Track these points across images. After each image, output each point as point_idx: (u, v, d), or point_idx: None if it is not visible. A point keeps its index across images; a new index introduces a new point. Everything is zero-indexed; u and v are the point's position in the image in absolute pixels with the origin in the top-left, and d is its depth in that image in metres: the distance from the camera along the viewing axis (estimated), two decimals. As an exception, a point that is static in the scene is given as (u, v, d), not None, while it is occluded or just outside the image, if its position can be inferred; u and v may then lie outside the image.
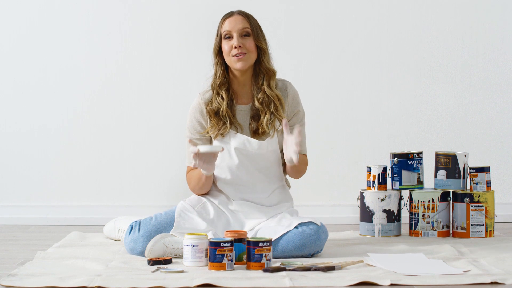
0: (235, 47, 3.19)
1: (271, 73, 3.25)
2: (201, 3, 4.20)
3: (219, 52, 3.26)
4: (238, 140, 3.24)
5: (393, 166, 3.74)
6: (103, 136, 4.21)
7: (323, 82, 4.23)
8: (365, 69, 4.24)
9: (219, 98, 3.24)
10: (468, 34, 4.24)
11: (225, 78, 3.26)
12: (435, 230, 3.66)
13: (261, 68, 3.25)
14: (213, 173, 3.29)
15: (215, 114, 3.25)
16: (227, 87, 3.26)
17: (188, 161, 3.30)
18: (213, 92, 3.27)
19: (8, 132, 4.22)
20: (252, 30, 3.23)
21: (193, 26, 4.21)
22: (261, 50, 3.25)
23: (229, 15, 3.27)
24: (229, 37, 3.23)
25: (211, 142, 3.31)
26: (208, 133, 3.26)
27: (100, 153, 4.22)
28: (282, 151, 3.34)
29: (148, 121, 4.22)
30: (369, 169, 3.74)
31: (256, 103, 3.24)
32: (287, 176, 3.42)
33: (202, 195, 3.33)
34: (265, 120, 3.22)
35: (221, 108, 3.23)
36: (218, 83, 3.26)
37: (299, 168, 3.29)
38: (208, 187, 3.29)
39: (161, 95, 4.22)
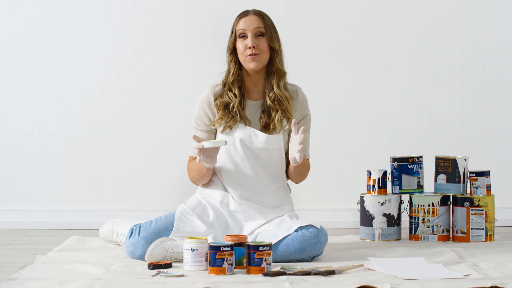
0: (249, 47, 3.23)
1: (281, 74, 3.30)
2: (201, 7, 4.20)
3: (233, 50, 3.29)
4: (244, 132, 3.25)
5: (393, 170, 3.74)
6: (103, 140, 4.22)
7: (323, 85, 4.24)
8: (365, 72, 4.24)
9: (231, 94, 3.28)
10: (468, 38, 4.24)
11: (238, 76, 3.30)
12: (435, 234, 3.66)
13: (273, 68, 3.29)
14: (216, 166, 3.31)
15: (224, 108, 3.27)
16: (240, 84, 3.29)
17: (191, 151, 3.34)
18: (224, 87, 3.30)
19: (8, 136, 4.22)
20: (266, 31, 3.27)
21: (193, 30, 4.21)
22: (274, 51, 3.28)
23: (245, 14, 3.29)
24: (243, 36, 3.26)
25: (215, 135, 3.32)
26: (214, 125, 3.28)
27: (100, 157, 4.22)
28: (286, 153, 3.35)
29: (148, 125, 4.22)
30: (369, 173, 3.74)
31: (268, 101, 3.27)
32: (288, 181, 3.42)
33: (203, 193, 3.34)
34: (276, 117, 3.26)
35: (232, 104, 3.26)
36: (231, 81, 3.29)
37: (302, 171, 3.31)
38: (208, 178, 3.31)
39: (161, 99, 4.22)
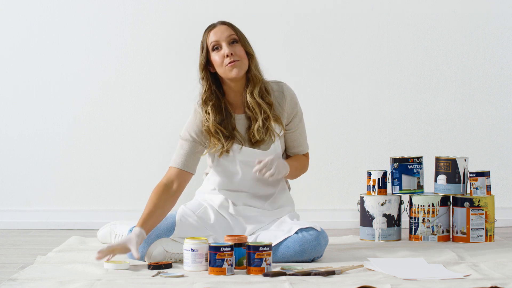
0: (227, 56, 3.15)
1: (256, 81, 3.19)
2: (202, 8, 4.21)
3: (205, 67, 3.22)
4: (242, 154, 3.21)
5: (393, 171, 3.74)
6: (103, 141, 4.22)
7: (323, 87, 4.24)
8: (365, 73, 4.24)
9: (206, 115, 3.19)
10: (468, 39, 4.24)
11: (211, 93, 3.21)
12: (435, 234, 3.66)
13: (250, 75, 3.20)
14: (214, 181, 3.30)
15: (213, 132, 3.19)
16: (214, 101, 3.20)
17: (173, 162, 3.25)
18: (203, 109, 3.21)
19: (9, 137, 4.22)
20: (239, 37, 3.19)
21: (193, 31, 4.21)
22: (250, 56, 3.20)
23: (212, 26, 3.21)
24: (217, 47, 3.18)
25: (200, 153, 3.25)
26: (213, 150, 3.21)
27: (100, 157, 4.22)
28: (285, 151, 3.33)
29: (148, 125, 4.22)
30: (369, 174, 3.74)
31: (247, 111, 3.21)
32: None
33: (203, 198, 3.33)
34: (255, 127, 3.18)
35: (208, 125, 3.18)
36: (204, 98, 3.21)
37: (293, 173, 3.29)
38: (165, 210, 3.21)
39: (161, 100, 4.22)
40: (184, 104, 4.17)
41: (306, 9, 4.22)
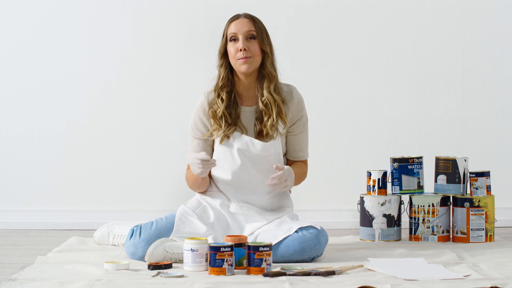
0: (241, 50, 3.20)
1: (272, 77, 3.25)
2: (201, 9, 4.21)
3: (224, 54, 3.28)
4: (241, 141, 3.24)
5: (393, 171, 3.74)
6: (103, 141, 4.22)
7: (323, 87, 4.24)
8: (365, 74, 4.24)
9: (219, 100, 3.25)
10: (468, 39, 4.24)
11: (228, 81, 3.27)
12: (435, 234, 3.66)
13: (264, 72, 3.26)
14: (213, 174, 3.31)
15: (218, 117, 3.25)
16: (229, 89, 3.27)
17: (190, 160, 3.31)
18: (215, 94, 3.28)
19: (9, 136, 4.22)
20: (257, 33, 3.24)
21: (193, 31, 4.21)
22: (265, 54, 3.25)
23: (236, 17, 3.27)
24: (234, 39, 3.24)
25: (212, 147, 3.31)
26: (212, 135, 3.27)
27: (100, 157, 4.22)
28: (285, 155, 3.34)
29: (149, 125, 4.22)
30: (369, 174, 3.74)
31: (260, 105, 3.25)
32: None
33: (202, 195, 3.33)
34: (269, 122, 3.23)
35: (219, 110, 3.24)
36: (220, 85, 3.27)
37: (296, 181, 3.30)
38: (206, 186, 3.32)
39: (162, 100, 4.22)
40: (184, 104, 4.17)
41: (306, 9, 4.22)
